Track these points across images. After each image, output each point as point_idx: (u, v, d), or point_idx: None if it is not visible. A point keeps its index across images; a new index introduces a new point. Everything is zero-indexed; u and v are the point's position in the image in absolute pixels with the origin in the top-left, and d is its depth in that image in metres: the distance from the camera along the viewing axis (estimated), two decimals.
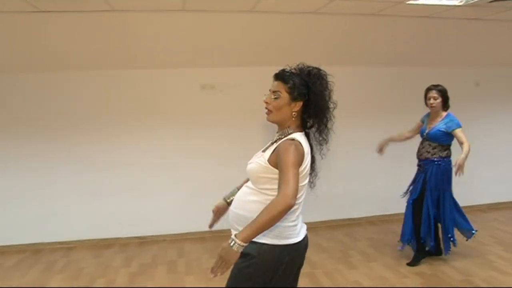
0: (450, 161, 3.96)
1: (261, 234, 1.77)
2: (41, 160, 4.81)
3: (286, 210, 1.70)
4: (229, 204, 2.18)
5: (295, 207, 1.84)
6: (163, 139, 5.04)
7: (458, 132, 3.85)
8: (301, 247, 1.97)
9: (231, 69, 5.02)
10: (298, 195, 1.86)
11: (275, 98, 1.94)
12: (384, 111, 5.45)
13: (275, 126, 2.02)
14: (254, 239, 1.77)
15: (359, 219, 5.57)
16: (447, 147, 4.00)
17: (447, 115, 3.98)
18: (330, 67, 2.03)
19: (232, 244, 1.69)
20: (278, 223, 1.77)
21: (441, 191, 3.96)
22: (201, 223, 4.90)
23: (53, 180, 4.84)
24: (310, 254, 2.19)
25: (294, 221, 1.93)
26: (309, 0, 4.16)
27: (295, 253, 1.94)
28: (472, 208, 5.68)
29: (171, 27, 4.66)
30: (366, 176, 5.51)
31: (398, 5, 4.26)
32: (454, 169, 3.74)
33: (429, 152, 4.00)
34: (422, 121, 4.21)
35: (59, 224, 4.86)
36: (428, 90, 4.03)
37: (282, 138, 1.93)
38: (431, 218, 3.95)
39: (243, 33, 4.80)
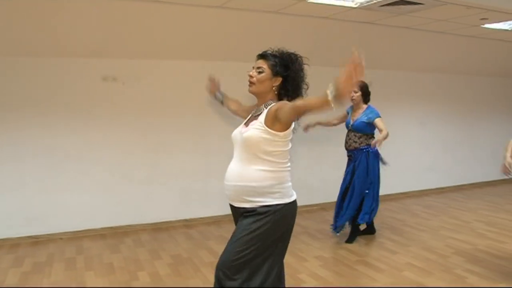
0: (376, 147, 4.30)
1: (269, 197, 2.08)
2: None
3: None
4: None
5: (288, 168, 2.17)
6: (58, 132, 4.72)
7: (378, 121, 4.21)
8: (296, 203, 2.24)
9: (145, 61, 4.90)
10: (285, 160, 2.16)
11: (259, 72, 2.20)
12: None
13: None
14: (264, 203, 2.07)
15: None
16: (372, 136, 4.36)
17: (367, 107, 4.34)
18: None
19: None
20: (282, 185, 2.12)
21: (372, 175, 4.30)
22: (100, 219, 4.77)
23: None
24: None
25: (290, 180, 2.19)
26: None
27: (296, 209, 2.21)
28: None
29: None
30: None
31: (300, 3, 4.43)
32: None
33: (356, 142, 4.32)
34: (347, 112, 4.51)
35: None
36: None
37: (267, 107, 2.16)
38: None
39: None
